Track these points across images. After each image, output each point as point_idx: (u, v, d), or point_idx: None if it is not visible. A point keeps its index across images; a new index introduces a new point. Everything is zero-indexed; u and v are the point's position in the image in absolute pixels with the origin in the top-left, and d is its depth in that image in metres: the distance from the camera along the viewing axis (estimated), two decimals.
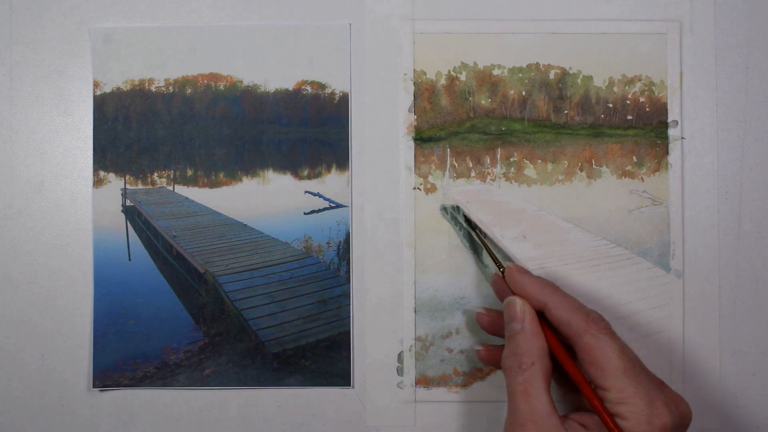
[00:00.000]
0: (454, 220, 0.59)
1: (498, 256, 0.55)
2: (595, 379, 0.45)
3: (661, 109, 0.59)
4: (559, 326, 0.47)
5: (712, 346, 0.58)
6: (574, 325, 0.46)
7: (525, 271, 0.51)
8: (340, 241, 0.59)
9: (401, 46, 0.60)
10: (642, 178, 0.59)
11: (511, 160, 0.60)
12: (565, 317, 0.47)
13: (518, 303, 0.49)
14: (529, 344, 0.47)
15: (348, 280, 0.59)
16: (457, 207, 0.60)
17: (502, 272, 0.52)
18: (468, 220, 0.58)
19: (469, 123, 0.60)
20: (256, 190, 0.60)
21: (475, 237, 0.57)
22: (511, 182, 0.60)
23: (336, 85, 0.60)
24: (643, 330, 0.58)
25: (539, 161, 0.60)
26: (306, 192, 0.60)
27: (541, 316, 0.49)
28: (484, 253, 0.59)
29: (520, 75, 0.60)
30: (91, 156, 0.60)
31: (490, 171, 0.60)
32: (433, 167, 0.60)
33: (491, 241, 0.57)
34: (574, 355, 0.48)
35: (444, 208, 0.60)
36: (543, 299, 0.48)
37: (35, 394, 0.59)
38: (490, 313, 0.55)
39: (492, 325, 0.54)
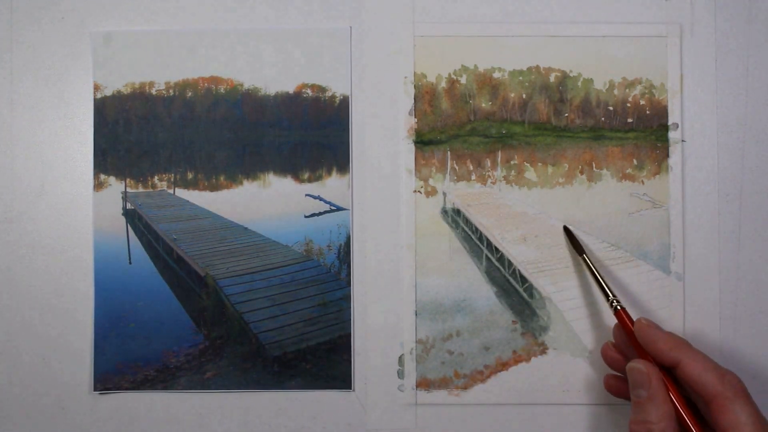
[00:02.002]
0: (454, 223, 0.60)
1: (610, 288, 0.54)
2: None
3: (661, 111, 0.60)
4: (691, 385, 0.47)
5: (713, 348, 0.58)
6: (709, 386, 0.45)
7: (656, 326, 0.50)
8: (341, 244, 0.59)
9: (402, 49, 0.60)
10: (642, 180, 0.59)
11: (512, 163, 0.60)
12: (699, 377, 0.46)
13: (644, 369, 0.48)
14: (657, 412, 0.46)
15: (349, 283, 0.59)
16: (457, 210, 0.60)
17: (611, 300, 0.52)
18: (576, 244, 0.56)
19: (470, 126, 0.60)
20: (256, 193, 0.60)
21: (586, 268, 0.56)
22: (511, 185, 0.60)
23: (336, 88, 0.60)
24: None
25: (540, 164, 0.60)
26: (306, 195, 0.60)
27: (668, 372, 0.48)
28: (483, 255, 0.59)
29: (521, 78, 0.60)
30: (92, 159, 0.60)
31: (490, 174, 0.60)
32: (434, 170, 0.60)
33: (602, 277, 0.55)
34: (700, 416, 0.47)
35: (444, 211, 0.60)
36: (676, 357, 0.48)
37: (36, 397, 0.59)
38: (615, 351, 0.54)
39: (615, 363, 0.54)
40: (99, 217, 0.60)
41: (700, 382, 0.46)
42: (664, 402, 0.47)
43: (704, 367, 0.46)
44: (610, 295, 0.53)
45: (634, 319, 0.52)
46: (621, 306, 0.53)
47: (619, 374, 0.55)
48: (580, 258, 0.57)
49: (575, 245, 0.57)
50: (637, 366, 0.49)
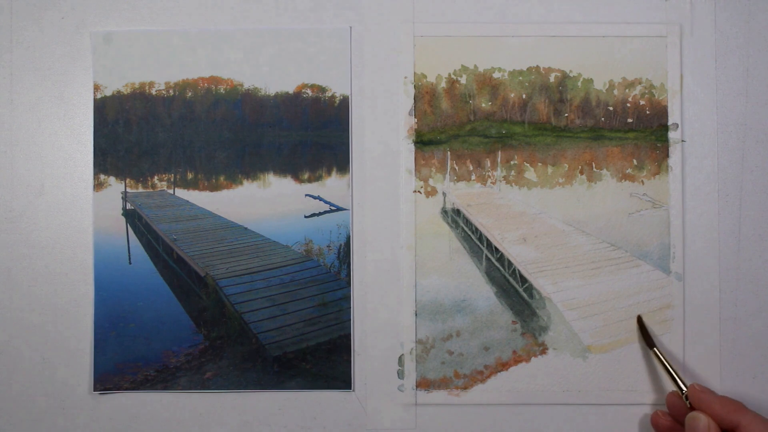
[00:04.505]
0: (454, 223, 0.60)
1: (678, 374, 0.55)
2: None
3: (661, 112, 0.60)
4: None
5: (713, 348, 0.58)
6: None
7: (710, 391, 0.52)
8: (341, 244, 0.59)
9: (402, 49, 0.60)
10: (642, 181, 0.59)
11: (512, 163, 0.60)
12: None
13: (704, 420, 0.49)
14: None
15: (348, 283, 0.59)
16: (457, 210, 0.60)
17: (684, 393, 0.53)
18: (647, 337, 0.57)
19: (470, 126, 0.60)
20: (256, 193, 0.60)
21: (654, 356, 0.57)
22: (511, 185, 0.60)
23: (336, 88, 0.60)
24: None
25: (540, 164, 0.60)
26: (306, 195, 0.60)
27: None
28: (483, 256, 0.59)
29: (521, 78, 0.60)
30: (92, 159, 0.60)
31: (490, 174, 0.60)
32: (434, 170, 0.60)
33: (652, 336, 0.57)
34: None
35: (444, 211, 0.60)
36: (735, 419, 0.49)
37: (36, 397, 0.59)
38: (666, 418, 0.55)
39: (667, 430, 0.54)
40: (99, 218, 0.60)
41: None
42: None
43: (764, 429, 0.48)
44: (684, 387, 0.54)
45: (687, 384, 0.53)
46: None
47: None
48: (650, 351, 0.57)
49: (646, 338, 0.57)
50: (697, 415, 0.50)
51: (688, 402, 0.53)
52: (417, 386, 0.58)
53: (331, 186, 0.60)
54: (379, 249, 0.59)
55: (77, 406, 0.59)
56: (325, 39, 0.60)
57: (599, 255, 0.59)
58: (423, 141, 0.60)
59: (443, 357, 0.59)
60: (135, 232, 0.60)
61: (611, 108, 0.60)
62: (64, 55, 0.60)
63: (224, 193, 0.60)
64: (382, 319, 0.59)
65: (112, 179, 0.60)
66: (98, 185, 0.60)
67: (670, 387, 0.56)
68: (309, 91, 0.60)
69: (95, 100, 0.60)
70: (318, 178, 0.60)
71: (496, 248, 0.60)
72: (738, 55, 0.60)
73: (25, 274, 0.59)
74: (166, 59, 0.60)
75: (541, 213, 0.60)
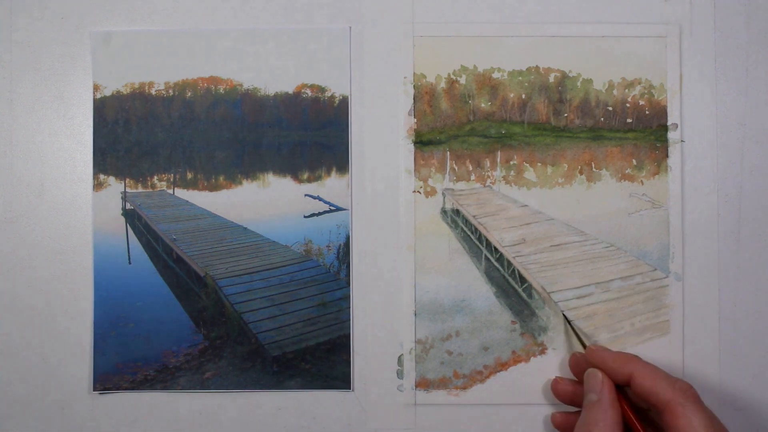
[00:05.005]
0: (453, 223, 0.60)
1: (581, 337, 0.57)
2: None
3: (660, 112, 0.60)
4: (644, 396, 0.48)
5: (712, 348, 0.58)
6: (661, 394, 0.47)
7: (605, 348, 0.53)
8: (340, 244, 0.60)
9: (401, 49, 0.60)
10: (642, 181, 0.59)
11: (511, 163, 0.60)
12: (652, 386, 0.48)
13: (599, 374, 0.51)
14: (603, 415, 0.48)
15: (348, 283, 0.59)
16: (457, 210, 0.60)
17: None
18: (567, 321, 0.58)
19: (469, 126, 0.60)
20: (256, 193, 0.60)
21: (564, 320, 0.58)
22: (510, 185, 0.60)
23: (336, 88, 0.60)
24: (643, 333, 0.58)
25: (539, 164, 0.60)
26: (306, 195, 0.60)
27: (620, 391, 0.50)
28: (483, 256, 0.59)
29: (520, 78, 0.60)
30: (91, 159, 0.60)
31: (490, 174, 0.60)
32: (433, 170, 0.60)
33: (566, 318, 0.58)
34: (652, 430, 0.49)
35: (444, 211, 0.60)
36: (628, 370, 0.49)
37: (36, 397, 0.59)
38: (564, 382, 0.56)
39: (565, 394, 0.56)
40: (98, 218, 0.60)
41: (652, 391, 0.47)
42: (614, 407, 0.49)
43: (655, 377, 0.48)
44: (586, 343, 0.56)
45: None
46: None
47: (567, 410, 0.57)
48: (564, 321, 0.58)
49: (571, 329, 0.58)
50: (593, 371, 0.51)
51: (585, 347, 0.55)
52: (416, 386, 0.58)
53: (331, 186, 0.60)
54: (379, 249, 0.59)
55: (77, 406, 0.59)
56: (324, 39, 0.60)
57: (598, 255, 0.59)
58: (422, 141, 0.60)
59: (443, 357, 0.59)
60: (135, 232, 0.60)
61: (611, 108, 0.60)
62: (63, 55, 0.60)
63: (224, 193, 0.60)
64: (381, 319, 0.59)
65: (111, 179, 0.60)
66: (98, 185, 0.60)
67: None
68: (308, 91, 0.60)
69: (95, 100, 0.60)
70: (317, 178, 0.60)
71: (495, 248, 0.60)
72: (737, 56, 0.60)
73: (24, 274, 0.59)
74: (166, 59, 0.60)
75: (540, 213, 0.60)
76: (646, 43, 0.59)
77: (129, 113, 0.60)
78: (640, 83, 0.59)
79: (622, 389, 0.51)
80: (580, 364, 0.55)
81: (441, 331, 0.59)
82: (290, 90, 0.60)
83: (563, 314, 0.58)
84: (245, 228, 0.60)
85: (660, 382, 0.47)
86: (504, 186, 0.60)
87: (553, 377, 0.57)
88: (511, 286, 0.59)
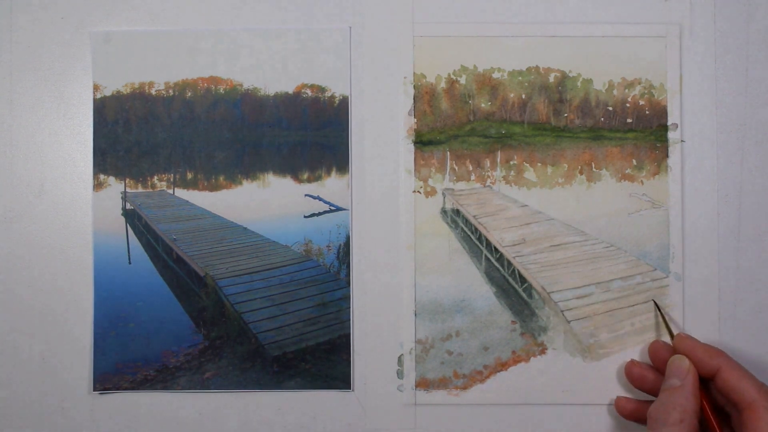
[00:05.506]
0: (454, 223, 0.60)
1: (670, 324, 0.57)
2: None
3: (660, 112, 0.60)
4: (728, 391, 0.48)
5: None
6: (746, 392, 0.47)
7: (694, 338, 0.53)
8: (341, 244, 0.60)
9: (401, 49, 0.60)
10: (642, 181, 0.59)
11: (511, 163, 0.60)
12: (737, 384, 0.48)
13: (686, 361, 0.51)
14: (684, 401, 0.48)
15: (348, 283, 0.59)
16: (457, 210, 0.60)
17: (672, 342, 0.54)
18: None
19: (469, 126, 0.60)
20: (256, 193, 0.60)
21: (655, 307, 0.58)
22: (511, 185, 0.60)
23: (336, 88, 0.60)
24: (643, 333, 0.58)
25: (539, 164, 0.60)
26: (306, 195, 0.60)
27: (704, 384, 0.50)
28: (483, 256, 0.59)
29: (520, 78, 0.60)
30: (92, 159, 0.60)
31: (490, 174, 0.60)
32: (433, 170, 0.60)
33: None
34: (728, 428, 0.50)
35: (444, 211, 0.60)
36: (716, 364, 0.50)
37: (36, 397, 0.59)
38: (640, 365, 0.56)
39: (639, 378, 0.55)
40: (98, 218, 0.60)
41: (738, 389, 0.48)
42: (695, 396, 0.49)
43: (742, 375, 0.48)
44: (672, 335, 0.55)
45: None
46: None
47: (636, 398, 0.56)
48: (654, 305, 0.58)
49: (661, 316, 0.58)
50: (681, 357, 0.51)
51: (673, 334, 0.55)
52: (416, 386, 0.58)
53: (331, 186, 0.60)
54: (379, 249, 0.59)
55: (77, 406, 0.59)
56: (324, 39, 0.60)
57: (598, 255, 0.59)
58: (422, 141, 0.60)
59: (443, 357, 0.59)
60: (135, 232, 0.60)
61: (611, 108, 0.60)
62: (63, 55, 0.60)
63: (224, 193, 0.60)
64: (381, 319, 0.59)
65: (111, 179, 0.60)
66: (98, 185, 0.60)
67: None
68: (308, 91, 0.60)
69: (95, 100, 0.60)
70: (317, 178, 0.60)
71: (495, 248, 0.60)
72: (738, 55, 0.60)
73: (24, 274, 0.59)
74: (166, 59, 0.60)
75: (540, 213, 0.60)
76: (646, 43, 0.59)
77: (129, 113, 0.60)
78: (640, 83, 0.59)
79: (704, 382, 0.51)
80: (660, 351, 0.55)
81: (441, 331, 0.59)
82: (290, 90, 0.60)
83: (654, 302, 0.57)
84: (245, 228, 0.60)
85: (747, 381, 0.48)
86: (504, 186, 0.60)
87: (629, 360, 0.57)
88: (511, 286, 0.59)
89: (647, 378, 0.55)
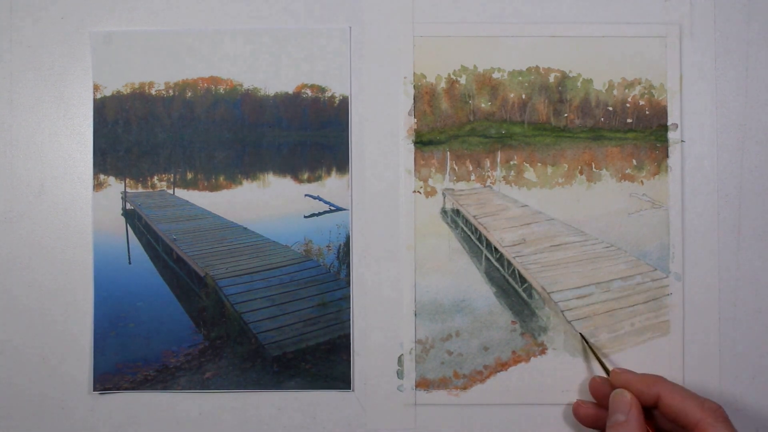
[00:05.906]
0: (454, 223, 0.60)
1: (603, 361, 0.57)
2: None
3: (660, 112, 0.60)
4: (673, 416, 0.48)
5: (712, 348, 0.58)
6: (690, 414, 0.47)
7: (630, 371, 0.54)
8: (341, 244, 0.60)
9: (401, 49, 0.60)
10: (642, 181, 0.59)
11: (511, 163, 0.60)
12: (681, 406, 0.48)
13: (627, 395, 0.51)
14: None
15: (348, 283, 0.59)
16: (457, 210, 0.60)
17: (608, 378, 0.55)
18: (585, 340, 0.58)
19: (469, 126, 0.60)
20: (256, 193, 0.60)
21: (584, 343, 0.58)
22: (511, 185, 0.60)
23: (336, 88, 0.60)
24: (643, 333, 0.58)
25: (539, 164, 0.60)
26: (306, 195, 0.60)
27: (648, 413, 0.51)
28: (483, 256, 0.59)
29: (520, 78, 0.60)
30: (92, 159, 0.60)
31: (490, 174, 0.60)
32: (433, 170, 0.60)
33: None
34: None
35: (444, 211, 0.60)
36: (655, 391, 0.50)
37: (36, 397, 0.59)
38: (586, 405, 0.56)
39: (588, 417, 0.55)
40: (98, 218, 0.60)
41: (682, 411, 0.48)
42: (639, 428, 0.49)
43: (684, 397, 0.48)
44: (607, 372, 0.55)
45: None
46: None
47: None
48: (582, 340, 0.58)
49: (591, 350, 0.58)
50: (621, 391, 0.51)
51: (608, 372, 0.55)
52: (416, 386, 0.58)
53: (331, 186, 0.60)
54: (379, 249, 0.59)
55: (77, 406, 0.59)
56: (324, 39, 0.60)
57: (598, 255, 0.59)
58: (422, 141, 0.60)
59: (443, 357, 0.59)
60: (135, 232, 0.60)
61: (611, 108, 0.60)
62: (63, 55, 0.60)
63: (224, 193, 0.60)
64: (381, 319, 0.59)
65: (111, 179, 0.60)
66: (98, 185, 0.60)
67: None
68: (308, 91, 0.60)
69: (95, 100, 0.60)
70: (317, 178, 0.60)
71: (495, 248, 0.60)
72: (738, 56, 0.60)
73: (24, 274, 0.59)
74: (166, 59, 0.60)
75: (540, 213, 0.60)
76: (646, 43, 0.59)
77: (129, 113, 0.60)
78: (640, 83, 0.59)
79: (648, 411, 0.51)
80: (600, 388, 0.55)
81: (441, 331, 0.59)
82: (290, 90, 0.60)
83: (582, 336, 0.58)
84: (245, 228, 0.60)
85: (689, 402, 0.48)
86: (504, 186, 0.60)
87: (575, 401, 0.57)
88: (511, 286, 0.59)
89: (595, 416, 0.55)
